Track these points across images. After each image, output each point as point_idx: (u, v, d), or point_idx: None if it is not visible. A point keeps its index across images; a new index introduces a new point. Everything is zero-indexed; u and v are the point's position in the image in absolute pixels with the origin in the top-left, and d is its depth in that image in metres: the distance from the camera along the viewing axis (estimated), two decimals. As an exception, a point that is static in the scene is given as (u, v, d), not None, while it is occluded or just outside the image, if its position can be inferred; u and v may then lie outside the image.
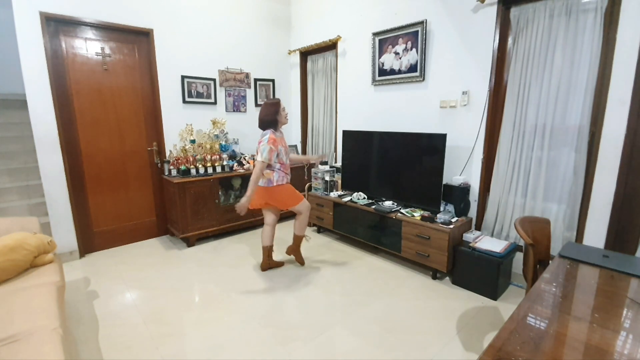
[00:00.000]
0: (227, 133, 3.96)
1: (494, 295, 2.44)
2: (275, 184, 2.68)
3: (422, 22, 2.99)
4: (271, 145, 2.56)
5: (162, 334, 2.09)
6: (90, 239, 3.33)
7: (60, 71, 2.99)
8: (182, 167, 3.45)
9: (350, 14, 3.71)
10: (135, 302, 2.46)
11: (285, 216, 4.33)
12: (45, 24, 2.82)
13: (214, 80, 3.91)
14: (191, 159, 3.53)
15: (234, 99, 4.14)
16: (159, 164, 3.64)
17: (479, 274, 2.50)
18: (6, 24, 3.42)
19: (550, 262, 1.65)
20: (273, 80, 4.48)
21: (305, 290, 2.61)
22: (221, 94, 4.02)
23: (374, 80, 3.53)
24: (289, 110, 4.73)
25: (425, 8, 3.00)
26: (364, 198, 3.39)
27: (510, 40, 2.60)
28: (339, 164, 3.97)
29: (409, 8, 3.12)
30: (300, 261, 3.04)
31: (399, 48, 3.23)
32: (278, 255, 3.13)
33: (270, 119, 2.66)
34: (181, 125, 3.68)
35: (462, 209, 2.82)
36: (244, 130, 4.22)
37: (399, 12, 3.20)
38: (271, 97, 4.51)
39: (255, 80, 4.30)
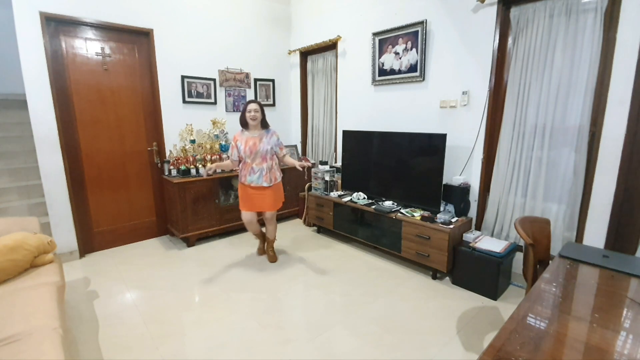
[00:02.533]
0: (227, 133, 3.96)
1: (494, 295, 2.44)
2: (238, 180, 2.97)
3: (422, 22, 2.99)
4: (232, 142, 2.91)
5: (162, 334, 2.09)
6: (90, 239, 3.33)
7: (60, 71, 2.99)
8: (182, 167, 3.45)
9: (350, 14, 3.71)
10: (135, 302, 2.46)
11: (285, 215, 4.33)
12: (45, 24, 2.82)
13: (214, 80, 3.91)
14: (191, 159, 3.53)
15: (234, 99, 4.14)
16: (159, 164, 3.64)
17: (479, 274, 2.50)
18: (6, 24, 3.42)
19: (550, 262, 1.65)
20: (273, 80, 4.49)
21: (305, 290, 2.61)
22: (221, 94, 4.02)
23: (374, 80, 3.53)
24: (289, 110, 4.75)
25: (425, 8, 3.00)
26: (364, 198, 3.39)
27: (510, 40, 2.60)
28: (339, 164, 3.97)
29: (409, 8, 3.12)
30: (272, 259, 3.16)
31: (399, 48, 3.23)
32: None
33: (242, 120, 2.88)
34: (181, 125, 3.68)
35: (462, 209, 2.82)
36: (244, 130, 4.22)
37: (399, 12, 3.20)
38: (271, 97, 4.51)
39: (255, 80, 4.30)
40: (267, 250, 3.17)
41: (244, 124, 2.87)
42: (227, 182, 3.72)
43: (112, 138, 3.34)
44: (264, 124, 2.89)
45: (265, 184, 2.85)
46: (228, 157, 2.99)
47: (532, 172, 2.58)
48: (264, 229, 3.23)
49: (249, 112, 2.80)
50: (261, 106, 2.86)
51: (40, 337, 1.42)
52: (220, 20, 3.87)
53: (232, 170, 3.73)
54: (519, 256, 2.64)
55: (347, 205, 3.39)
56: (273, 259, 3.13)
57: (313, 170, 3.95)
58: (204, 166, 3.56)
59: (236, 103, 4.16)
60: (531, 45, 2.46)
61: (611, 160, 2.16)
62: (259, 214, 3.03)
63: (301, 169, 2.84)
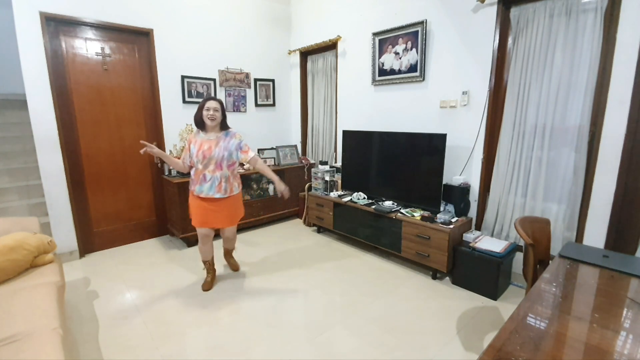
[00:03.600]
0: (227, 133, 3.95)
1: (494, 295, 2.44)
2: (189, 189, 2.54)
3: (422, 22, 2.99)
4: (186, 144, 2.48)
5: (162, 334, 2.09)
6: (90, 239, 3.33)
7: (60, 71, 2.99)
8: (182, 167, 3.44)
9: (350, 14, 3.71)
10: (135, 302, 2.46)
11: (285, 215, 4.33)
12: (45, 24, 2.82)
13: (214, 80, 3.91)
14: (191, 159, 3.53)
15: (234, 99, 4.14)
16: (159, 164, 3.64)
17: (479, 274, 2.50)
18: (6, 24, 3.42)
19: (550, 262, 1.65)
20: (273, 80, 4.49)
21: (305, 291, 2.61)
22: (221, 94, 4.02)
23: (374, 80, 3.53)
24: (289, 110, 4.74)
25: (425, 8, 3.00)
26: (364, 198, 3.39)
27: (510, 40, 2.60)
28: (339, 164, 3.97)
29: (409, 8, 3.12)
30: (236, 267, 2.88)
31: (399, 48, 3.23)
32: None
33: (197, 119, 2.43)
34: (181, 125, 3.67)
35: (462, 209, 2.82)
36: (244, 131, 4.21)
37: (399, 12, 3.20)
38: (271, 97, 4.51)
39: (255, 80, 4.30)
40: (227, 258, 2.93)
41: (200, 124, 2.43)
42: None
43: (112, 138, 3.34)
44: (224, 126, 2.46)
45: (217, 196, 2.42)
46: (239, 163, 2.51)
47: (532, 172, 2.58)
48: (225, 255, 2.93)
49: (207, 110, 2.36)
50: (222, 105, 2.43)
51: (40, 337, 1.42)
52: (220, 20, 3.87)
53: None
54: (519, 256, 2.64)
55: (347, 205, 3.39)
56: (235, 266, 2.92)
57: (313, 170, 3.95)
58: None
59: (236, 103, 4.16)
60: (531, 45, 2.46)
61: (611, 160, 2.16)
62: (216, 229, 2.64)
63: (280, 196, 2.46)
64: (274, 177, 2.48)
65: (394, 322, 2.20)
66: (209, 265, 2.68)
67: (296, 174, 4.30)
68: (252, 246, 3.47)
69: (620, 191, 2.15)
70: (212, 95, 3.91)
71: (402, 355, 1.89)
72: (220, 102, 2.43)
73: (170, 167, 2.99)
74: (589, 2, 2.19)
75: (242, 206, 2.68)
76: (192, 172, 2.47)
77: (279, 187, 2.46)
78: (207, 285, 2.64)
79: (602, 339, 1.04)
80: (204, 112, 2.37)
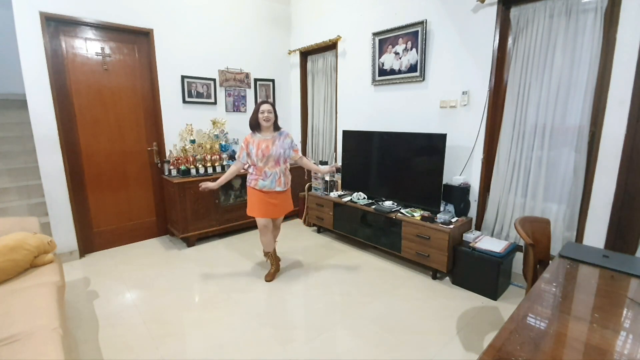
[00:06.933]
0: (227, 133, 3.96)
1: (494, 295, 2.44)
2: (247, 184, 2.77)
3: (422, 22, 2.99)
4: (242, 144, 2.73)
5: (162, 334, 2.09)
6: (90, 239, 3.33)
7: (60, 71, 2.99)
8: (182, 167, 3.45)
9: (350, 14, 3.71)
10: (135, 302, 2.46)
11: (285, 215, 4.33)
12: (45, 24, 2.82)
13: (214, 80, 3.91)
14: (191, 159, 3.53)
15: (234, 99, 4.14)
16: (159, 164, 3.64)
17: (479, 274, 2.50)
18: (6, 24, 3.42)
19: (550, 262, 1.65)
20: (273, 80, 4.48)
21: (305, 290, 2.61)
22: (221, 94, 4.02)
23: (374, 80, 3.53)
24: (289, 110, 4.74)
25: (425, 8, 3.00)
26: (364, 198, 3.39)
27: (510, 40, 2.60)
28: (339, 164, 3.97)
29: (409, 8, 3.12)
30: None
31: (399, 48, 3.23)
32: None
33: (253, 122, 2.67)
34: (181, 125, 3.68)
35: (462, 209, 2.82)
36: (244, 130, 4.15)
37: (399, 12, 3.20)
38: (271, 97, 4.51)
39: (255, 80, 4.30)
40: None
41: (256, 126, 2.66)
42: (227, 182, 3.70)
43: (112, 138, 3.34)
44: (276, 126, 2.71)
45: (278, 189, 2.68)
46: (235, 158, 2.67)
47: (532, 172, 2.58)
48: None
49: (262, 112, 2.60)
50: (274, 107, 2.67)
51: (40, 337, 1.42)
52: (220, 20, 3.87)
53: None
54: (519, 256, 2.64)
55: (347, 205, 3.39)
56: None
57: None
58: (204, 166, 3.57)
59: (236, 103, 4.16)
60: (531, 45, 2.46)
61: (611, 160, 2.16)
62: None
63: (329, 176, 2.75)
64: (320, 169, 2.93)
65: (394, 322, 2.20)
66: (272, 257, 2.85)
67: (296, 174, 4.29)
68: (252, 246, 3.47)
69: (620, 191, 2.15)
70: (212, 95, 3.91)
71: (402, 355, 1.89)
72: (273, 105, 2.68)
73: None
74: (589, 2, 2.19)
75: (291, 199, 2.91)
76: (251, 169, 2.72)
77: (330, 170, 2.94)
78: (270, 277, 2.78)
79: (602, 339, 1.04)
80: (259, 115, 2.61)
